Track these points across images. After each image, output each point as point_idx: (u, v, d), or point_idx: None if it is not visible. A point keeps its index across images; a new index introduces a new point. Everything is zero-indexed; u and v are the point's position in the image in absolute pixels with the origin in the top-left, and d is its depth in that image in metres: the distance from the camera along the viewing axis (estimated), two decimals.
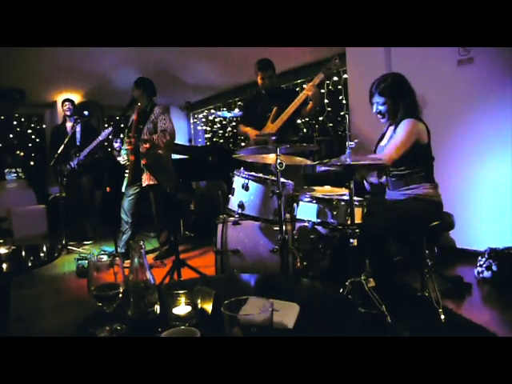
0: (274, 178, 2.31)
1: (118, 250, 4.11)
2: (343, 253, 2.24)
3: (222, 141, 7.12)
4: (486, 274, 3.05)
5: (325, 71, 3.39)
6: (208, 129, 7.42)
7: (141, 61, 5.39)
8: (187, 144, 7.19)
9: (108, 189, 3.90)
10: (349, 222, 2.06)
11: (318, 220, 2.16)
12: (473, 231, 3.53)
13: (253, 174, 2.38)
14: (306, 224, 2.17)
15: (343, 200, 2.17)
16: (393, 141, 2.29)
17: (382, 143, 2.50)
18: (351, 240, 1.91)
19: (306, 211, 2.21)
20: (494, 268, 3.02)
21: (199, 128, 7.54)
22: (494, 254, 3.07)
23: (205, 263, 3.69)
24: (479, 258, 3.15)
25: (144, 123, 3.98)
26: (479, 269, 3.10)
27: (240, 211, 2.31)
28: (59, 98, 5.45)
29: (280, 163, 2.05)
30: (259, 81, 3.70)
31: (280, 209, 2.07)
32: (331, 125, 4.36)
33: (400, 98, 2.35)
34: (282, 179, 2.32)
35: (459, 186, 3.55)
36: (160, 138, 3.86)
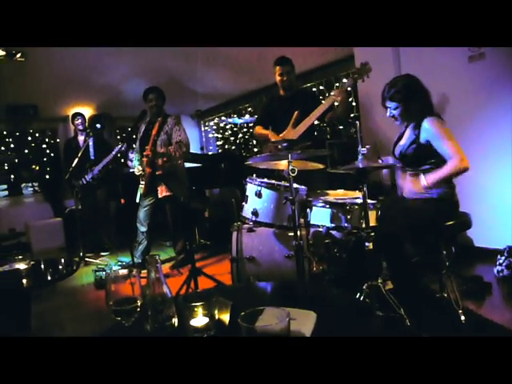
0: (286, 183, 2.31)
1: (135, 260, 4.14)
2: (359, 256, 2.22)
3: (233, 147, 7.13)
4: (506, 272, 3.00)
5: (354, 76, 3.27)
6: (219, 136, 7.44)
7: (150, 71, 5.46)
8: (199, 152, 7.23)
9: (123, 201, 3.94)
10: (363, 226, 2.05)
11: (332, 225, 2.16)
12: (491, 229, 3.47)
13: (265, 180, 2.38)
14: (320, 229, 2.17)
15: (356, 204, 2.16)
16: (443, 146, 2.22)
17: (401, 143, 2.48)
18: (366, 243, 1.90)
19: (320, 216, 2.21)
20: None
21: (210, 136, 7.56)
22: None
23: (221, 271, 3.70)
24: (498, 256, 3.10)
25: (158, 134, 4.01)
26: (499, 267, 3.05)
27: (254, 218, 2.32)
28: (72, 112, 5.53)
29: (292, 169, 2.04)
30: (277, 78, 3.56)
31: (294, 215, 2.06)
32: (341, 127, 4.34)
33: (412, 101, 2.33)
34: (295, 185, 2.32)
35: (475, 184, 3.49)
36: (176, 150, 3.89)
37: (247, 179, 2.43)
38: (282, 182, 2.38)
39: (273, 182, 2.39)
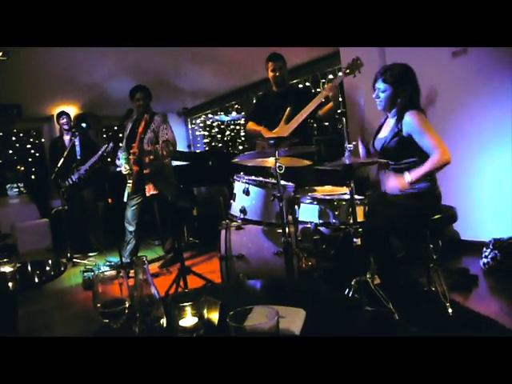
0: (274, 180, 2.31)
1: (123, 260, 4.11)
2: (347, 252, 2.23)
3: (220, 145, 7.12)
4: (492, 264, 3.04)
5: (346, 72, 3.27)
6: (206, 133, 7.42)
7: (136, 70, 5.40)
8: (186, 150, 7.20)
9: (110, 200, 3.90)
10: (351, 221, 2.06)
11: (320, 221, 2.16)
12: (476, 222, 3.52)
13: (253, 178, 2.38)
14: (309, 226, 2.18)
15: (344, 200, 2.17)
16: (425, 140, 2.22)
17: (381, 135, 2.48)
18: (354, 239, 1.91)
19: (308, 213, 2.21)
20: (499, 258, 3.02)
21: (197, 133, 7.54)
22: (498, 244, 3.07)
23: (210, 268, 3.69)
24: (484, 249, 3.15)
25: (144, 133, 3.98)
26: (484, 260, 3.10)
27: (242, 216, 2.31)
28: (56, 111, 5.46)
29: (279, 166, 2.04)
30: (270, 74, 3.56)
31: (282, 212, 2.07)
32: (327, 123, 4.35)
33: (401, 89, 2.32)
34: (283, 182, 2.32)
35: (460, 178, 3.54)
36: (163, 148, 3.87)
37: (235, 177, 2.43)
38: (270, 179, 2.38)
39: (260, 179, 2.39)
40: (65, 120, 5.08)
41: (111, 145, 4.31)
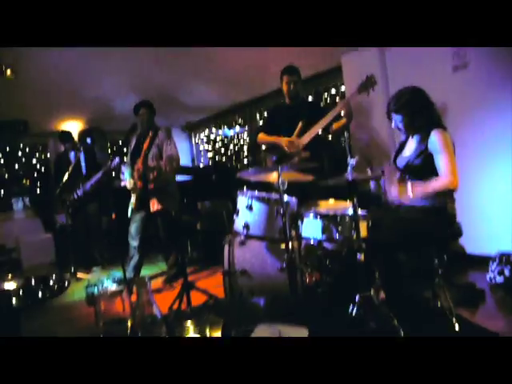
0: (278, 195, 2.30)
1: (127, 275, 4.10)
2: (351, 267, 2.22)
3: (224, 159, 7.14)
4: (499, 279, 3.01)
5: (360, 89, 3.28)
6: (210, 148, 7.45)
7: (140, 85, 5.45)
8: (190, 164, 7.22)
9: (113, 216, 3.90)
10: (354, 237, 2.05)
11: (324, 236, 2.15)
12: (482, 236, 3.49)
13: (256, 193, 2.38)
14: (312, 242, 2.17)
15: (347, 215, 2.16)
16: (442, 161, 2.22)
17: (405, 154, 2.46)
18: (358, 255, 1.90)
19: (311, 228, 2.20)
20: (507, 273, 2.99)
21: (201, 148, 7.57)
22: (505, 258, 3.04)
23: (214, 283, 3.66)
24: (490, 263, 3.12)
25: (149, 148, 4.01)
26: (491, 274, 3.07)
27: (246, 232, 2.31)
28: (62, 126, 5.51)
29: (282, 182, 2.04)
30: (284, 86, 3.57)
31: (285, 227, 2.06)
32: (331, 137, 4.35)
33: (417, 114, 2.32)
34: (286, 197, 2.32)
35: (465, 191, 3.47)
36: (167, 164, 3.88)
37: (238, 192, 2.43)
38: (274, 194, 2.38)
39: (264, 194, 2.39)
40: (68, 143, 5.17)
41: (117, 160, 4.34)
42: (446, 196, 2.31)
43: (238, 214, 2.39)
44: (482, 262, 3.36)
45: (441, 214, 2.29)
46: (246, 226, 2.30)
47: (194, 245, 5.39)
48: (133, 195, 4.07)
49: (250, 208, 2.30)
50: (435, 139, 2.24)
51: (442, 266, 2.50)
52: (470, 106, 3.51)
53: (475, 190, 3.57)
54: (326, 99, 5.12)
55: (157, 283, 4.15)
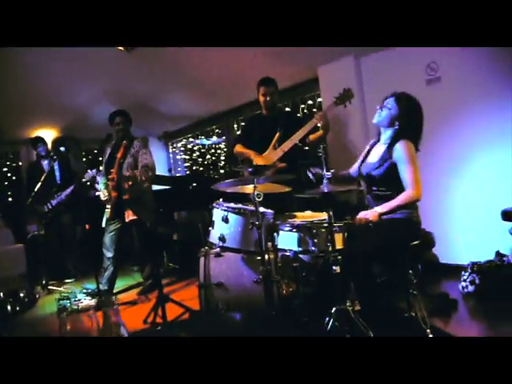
0: (253, 207, 2.29)
1: (101, 287, 4.02)
2: (327, 279, 2.22)
3: (201, 169, 7.10)
4: (471, 288, 3.06)
5: (337, 102, 3.31)
6: (187, 157, 7.40)
7: (116, 93, 5.39)
8: (167, 174, 7.14)
9: (87, 226, 3.81)
10: (330, 249, 2.05)
11: (300, 249, 2.15)
12: (455, 246, 3.58)
13: (232, 205, 2.36)
14: (288, 253, 2.16)
15: (323, 227, 2.17)
16: (406, 172, 2.24)
17: (370, 160, 2.48)
18: (334, 267, 1.90)
19: (287, 240, 2.20)
20: (478, 282, 3.04)
21: (178, 157, 7.51)
22: (476, 268, 3.10)
23: (190, 295, 3.62)
24: (463, 272, 3.17)
25: (124, 158, 3.95)
26: (463, 284, 3.12)
27: (221, 244, 2.29)
28: (35, 134, 5.38)
29: (258, 194, 2.04)
30: (261, 98, 3.58)
31: (260, 240, 2.05)
32: (307, 148, 4.37)
33: (406, 116, 2.36)
34: (262, 209, 2.31)
35: (436, 202, 3.60)
36: (142, 173, 3.82)
37: (214, 204, 2.41)
38: (249, 206, 2.37)
39: (239, 206, 2.38)
40: (41, 148, 5.03)
41: (90, 173, 4.25)
42: (413, 206, 2.34)
43: (213, 226, 2.37)
44: (454, 271, 3.42)
45: (407, 223, 2.32)
46: (222, 238, 2.28)
47: (170, 255, 5.33)
48: (107, 205, 4.01)
49: (225, 220, 2.28)
50: (401, 149, 2.27)
51: (417, 276, 2.54)
52: (444, 118, 3.59)
53: (448, 201, 3.65)
54: (303, 110, 5.16)
55: (132, 295, 4.08)
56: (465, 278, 3.13)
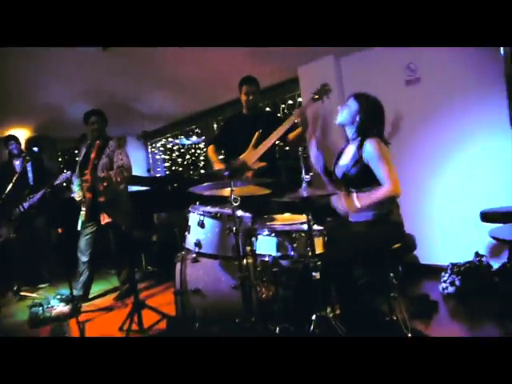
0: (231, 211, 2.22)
1: (75, 292, 3.90)
2: (307, 284, 2.16)
3: (181, 169, 6.99)
4: (451, 289, 3.06)
5: (314, 97, 3.21)
6: (167, 157, 7.28)
7: (93, 92, 5.24)
8: (146, 174, 7.01)
9: (60, 230, 3.67)
10: (310, 254, 1.99)
11: (279, 254, 2.09)
12: (435, 246, 3.57)
13: (208, 209, 2.28)
14: (267, 259, 2.10)
15: (303, 231, 2.11)
16: (380, 170, 2.20)
17: (342, 162, 2.45)
18: (313, 273, 1.84)
19: (266, 245, 2.13)
20: (458, 283, 3.04)
21: (157, 157, 7.39)
22: (456, 269, 3.10)
23: (168, 300, 3.51)
24: (442, 273, 3.17)
25: (98, 158, 3.85)
26: (443, 285, 3.12)
27: (197, 250, 2.20)
28: (6, 134, 5.19)
29: (235, 198, 1.97)
30: (243, 97, 3.49)
31: (238, 245, 1.98)
32: (288, 148, 4.33)
33: (367, 112, 2.35)
34: (240, 212, 2.24)
35: (415, 202, 3.59)
36: (117, 174, 3.72)
37: (190, 208, 2.32)
38: (227, 209, 2.29)
39: (216, 210, 2.30)
40: (13, 146, 4.83)
41: (64, 176, 4.11)
42: (390, 204, 2.31)
43: (189, 231, 2.28)
44: (434, 271, 3.43)
45: (387, 222, 2.29)
46: (198, 244, 2.19)
47: (149, 258, 5.21)
48: (82, 207, 3.89)
49: (201, 225, 2.20)
50: (370, 147, 2.24)
51: (398, 278, 2.51)
52: (422, 118, 3.59)
53: (427, 201, 3.65)
54: (283, 110, 5.11)
55: (108, 300, 3.96)
56: (445, 279, 3.12)
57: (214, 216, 2.22)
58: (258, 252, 2.17)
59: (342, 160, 2.48)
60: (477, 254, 3.17)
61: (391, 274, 2.39)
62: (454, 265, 3.14)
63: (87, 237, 3.90)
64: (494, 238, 2.16)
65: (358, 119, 2.37)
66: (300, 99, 4.74)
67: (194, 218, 2.26)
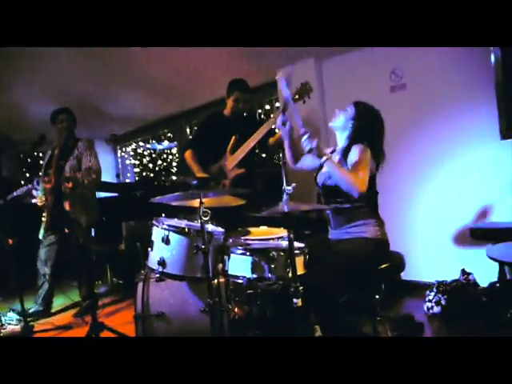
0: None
1: (35, 308, 3.60)
2: (286, 308, 1.92)
3: (152, 175, 6.69)
4: (436, 309, 2.89)
5: (295, 97, 2.95)
6: (137, 162, 6.96)
7: (58, 92, 4.90)
8: (115, 180, 6.66)
9: (10, 241, 3.32)
10: (290, 275, 1.74)
11: (254, 275, 1.82)
12: (418, 262, 3.39)
13: (174, 223, 2.00)
14: (240, 281, 1.84)
15: (282, 250, 1.86)
16: (354, 168, 2.00)
17: (324, 169, 2.21)
18: (295, 300, 1.59)
19: (240, 265, 1.85)
20: (444, 302, 2.87)
21: (127, 162, 7.05)
22: (442, 287, 2.92)
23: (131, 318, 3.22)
24: (427, 292, 3.00)
25: (66, 159, 3.57)
26: (428, 304, 2.94)
27: (161, 269, 1.91)
28: None
29: (204, 212, 1.71)
30: (231, 102, 3.20)
31: (207, 264, 1.72)
32: (264, 155, 4.10)
33: (363, 124, 2.19)
34: (211, 226, 1.98)
35: (398, 214, 3.43)
36: (84, 175, 3.46)
37: (153, 221, 2.03)
38: (195, 222, 2.03)
39: (184, 223, 2.02)
40: None
41: (28, 186, 3.73)
42: (378, 222, 2.16)
43: (152, 248, 2.00)
44: (417, 288, 3.30)
45: (374, 244, 2.09)
46: (162, 263, 1.90)
47: (115, 269, 4.89)
48: (45, 214, 3.58)
49: (166, 241, 1.91)
50: (354, 151, 2.07)
51: (381, 296, 2.31)
52: (407, 125, 3.43)
53: (409, 213, 3.50)
54: (259, 115, 4.88)
55: (67, 317, 3.63)
56: (430, 298, 2.95)
57: (180, 231, 1.94)
58: (230, 273, 1.90)
59: (324, 167, 2.26)
60: (463, 272, 3.00)
61: (377, 297, 2.19)
62: (439, 283, 2.96)
63: (48, 246, 3.60)
64: (492, 258, 1.97)
65: (350, 125, 2.21)
66: (278, 104, 4.53)
67: (157, 232, 1.97)
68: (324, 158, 1.96)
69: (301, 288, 1.59)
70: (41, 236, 3.64)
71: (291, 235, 1.62)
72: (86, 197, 3.61)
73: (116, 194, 5.48)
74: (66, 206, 3.44)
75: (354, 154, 2.06)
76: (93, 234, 3.92)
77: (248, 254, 1.84)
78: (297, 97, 2.96)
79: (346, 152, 2.13)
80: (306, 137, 1.97)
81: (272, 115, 3.05)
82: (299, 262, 1.85)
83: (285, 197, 1.62)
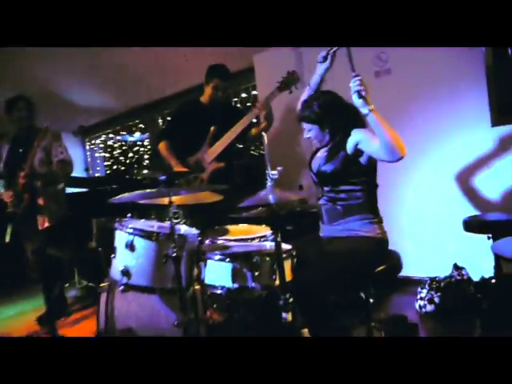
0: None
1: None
2: (272, 319, 1.68)
3: (123, 168, 6.36)
4: (429, 308, 2.71)
5: (281, 87, 2.80)
6: (107, 155, 6.62)
7: (19, 80, 4.52)
8: (84, 174, 6.33)
9: None
10: (276, 283, 1.50)
11: (235, 285, 1.57)
12: (410, 257, 3.21)
13: (140, 226, 1.72)
14: (219, 291, 1.58)
15: (267, 254, 1.61)
16: (378, 136, 1.74)
17: (320, 154, 2.06)
18: (284, 315, 1.35)
19: (218, 274, 1.59)
20: (437, 300, 2.69)
21: (97, 155, 6.70)
22: (435, 284, 2.74)
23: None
24: (419, 289, 2.82)
25: (31, 152, 3.22)
26: (420, 302, 2.76)
27: (125, 281, 1.64)
28: None
29: (175, 213, 1.44)
30: (209, 90, 2.94)
31: (178, 273, 1.46)
32: (241, 146, 3.84)
33: (329, 121, 1.93)
34: (184, 228, 1.72)
35: (384, 206, 3.23)
36: (59, 168, 3.21)
37: (116, 224, 1.75)
38: (166, 224, 1.76)
39: (152, 226, 1.75)
40: None
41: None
42: (377, 218, 1.98)
43: (115, 255, 1.72)
44: (407, 284, 3.14)
45: (371, 244, 1.89)
46: (126, 273, 1.63)
47: (84, 271, 4.57)
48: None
49: (130, 247, 1.63)
50: (356, 133, 1.86)
51: (373, 297, 2.11)
52: (391, 112, 3.22)
53: (397, 204, 3.31)
54: (235, 104, 4.60)
55: (29, 324, 3.31)
56: (422, 295, 2.76)
57: (147, 236, 1.66)
58: (206, 282, 1.64)
59: (319, 152, 2.08)
60: (456, 267, 2.82)
61: (371, 300, 1.98)
62: (432, 280, 2.78)
63: None
64: (498, 255, 1.77)
65: (319, 131, 1.96)
66: (255, 92, 4.27)
67: (121, 237, 1.69)
68: (371, 106, 1.71)
69: (291, 300, 1.34)
70: (7, 239, 3.31)
71: (278, 238, 1.36)
72: (57, 192, 3.37)
73: (85, 189, 5.16)
74: (40, 202, 3.16)
75: (354, 138, 1.86)
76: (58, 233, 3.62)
77: (227, 260, 1.58)
78: (282, 86, 2.75)
79: (342, 140, 1.90)
80: (357, 79, 1.74)
81: (256, 104, 2.82)
82: (287, 266, 1.61)
83: (269, 183, 1.35)
